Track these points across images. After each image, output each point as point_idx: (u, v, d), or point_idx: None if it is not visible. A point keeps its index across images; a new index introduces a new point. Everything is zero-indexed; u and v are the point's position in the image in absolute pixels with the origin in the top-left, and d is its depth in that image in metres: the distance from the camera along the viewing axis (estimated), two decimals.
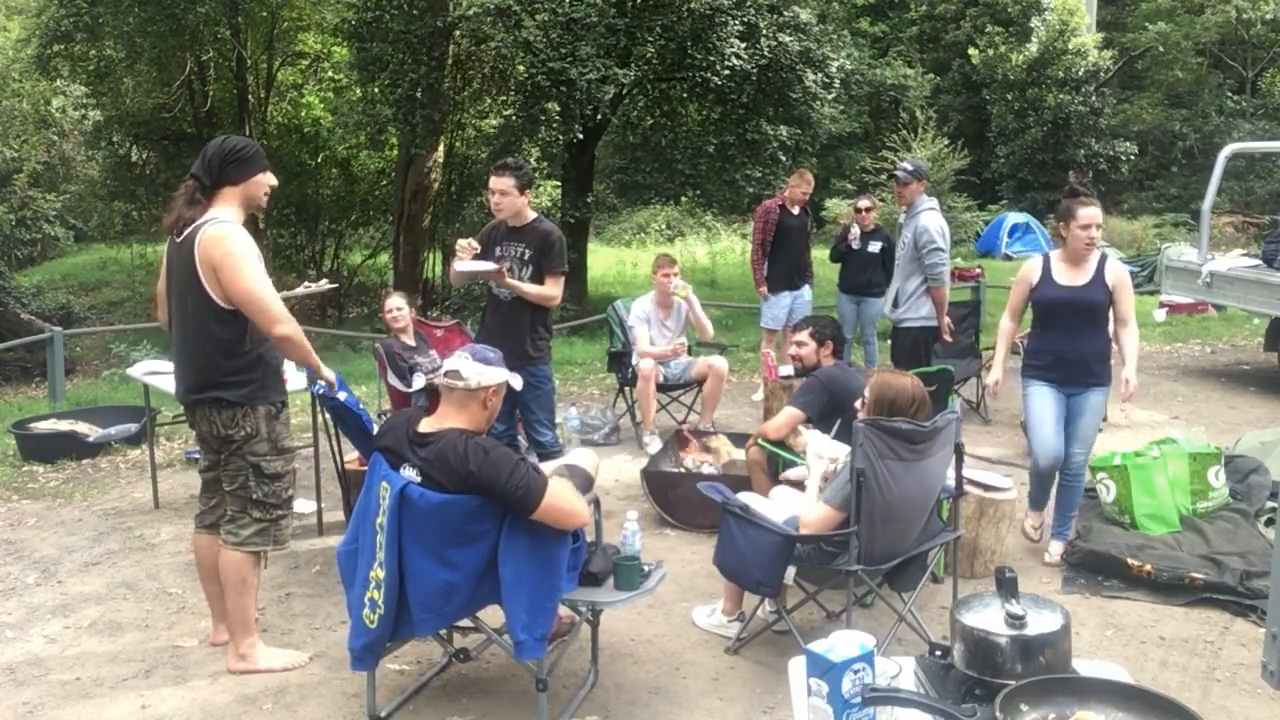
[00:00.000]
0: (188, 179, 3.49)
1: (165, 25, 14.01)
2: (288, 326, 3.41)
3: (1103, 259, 4.46)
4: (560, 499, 2.97)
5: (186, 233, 3.40)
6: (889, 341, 6.37)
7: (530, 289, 4.82)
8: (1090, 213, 4.36)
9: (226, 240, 3.35)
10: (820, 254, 8.49)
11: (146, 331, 11.77)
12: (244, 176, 3.50)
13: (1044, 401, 4.53)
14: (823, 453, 3.87)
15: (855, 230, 7.58)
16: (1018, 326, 4.80)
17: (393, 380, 5.64)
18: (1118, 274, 4.45)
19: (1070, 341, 4.46)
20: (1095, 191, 4.49)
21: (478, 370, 3.06)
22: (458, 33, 12.83)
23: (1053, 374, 4.52)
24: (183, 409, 3.72)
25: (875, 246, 7.53)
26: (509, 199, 4.80)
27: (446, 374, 3.07)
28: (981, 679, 1.92)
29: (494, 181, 4.81)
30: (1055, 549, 4.73)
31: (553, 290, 4.88)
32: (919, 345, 6.04)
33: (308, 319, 14.68)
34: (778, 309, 7.60)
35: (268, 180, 3.58)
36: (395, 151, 15.98)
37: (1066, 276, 4.46)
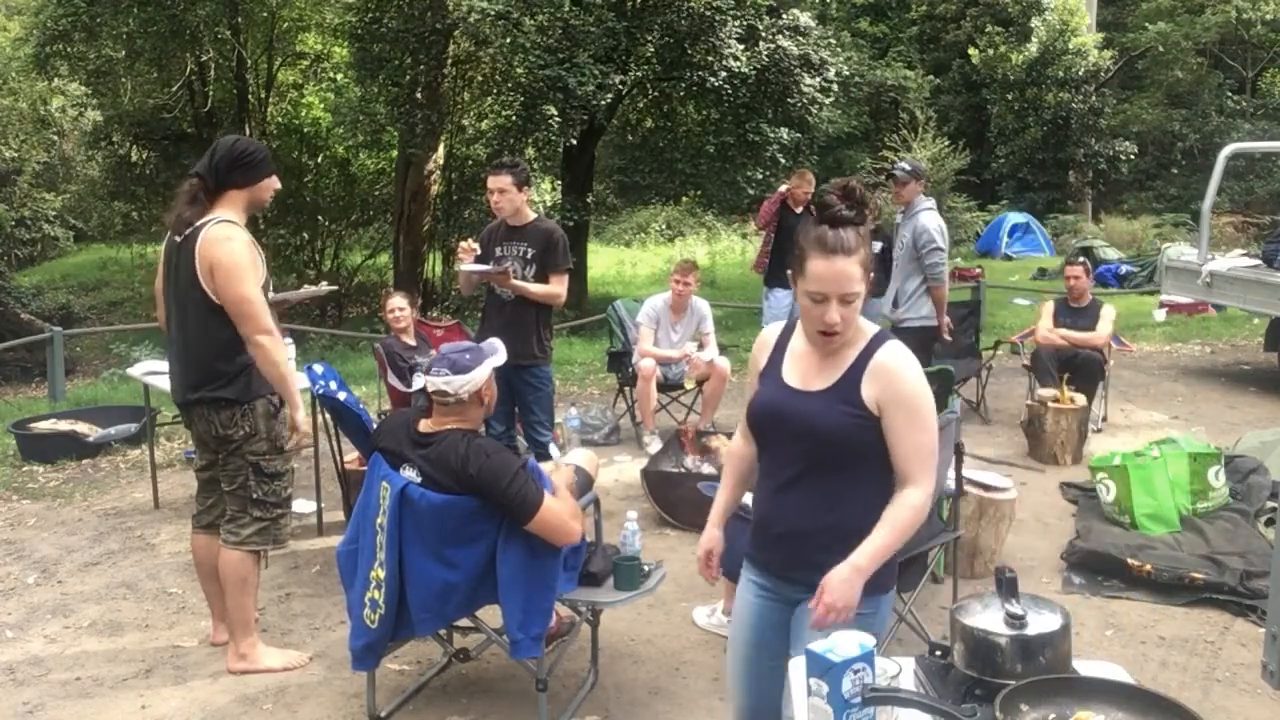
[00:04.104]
0: (191, 177, 3.47)
1: (165, 26, 14.00)
2: (269, 338, 3.38)
3: (873, 344, 2.23)
4: (555, 516, 2.95)
5: (188, 232, 3.40)
6: None
7: (535, 289, 4.82)
8: (824, 269, 2.13)
9: (226, 242, 3.36)
10: None
11: (147, 331, 11.76)
12: (251, 181, 3.50)
13: (741, 608, 2.47)
14: None
15: None
16: (750, 446, 2.48)
17: (393, 380, 5.65)
18: (891, 382, 2.19)
19: (777, 497, 2.32)
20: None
21: (462, 381, 2.98)
22: (457, 33, 12.84)
23: (756, 553, 2.44)
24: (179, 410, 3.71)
25: (876, 247, 7.49)
26: (507, 196, 4.80)
27: (434, 394, 3.01)
28: (981, 679, 1.92)
29: (491, 180, 4.83)
30: None
31: (558, 289, 4.88)
32: (919, 345, 6.04)
33: (308, 319, 14.68)
34: (778, 308, 7.60)
35: (274, 184, 3.60)
36: (395, 152, 15.99)
37: (800, 369, 2.30)
